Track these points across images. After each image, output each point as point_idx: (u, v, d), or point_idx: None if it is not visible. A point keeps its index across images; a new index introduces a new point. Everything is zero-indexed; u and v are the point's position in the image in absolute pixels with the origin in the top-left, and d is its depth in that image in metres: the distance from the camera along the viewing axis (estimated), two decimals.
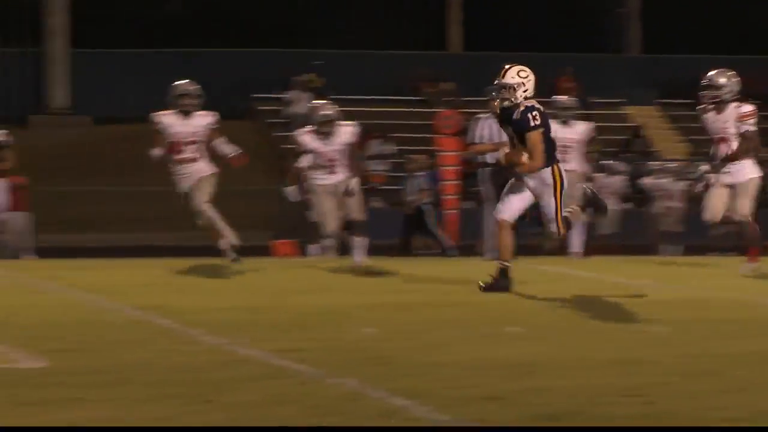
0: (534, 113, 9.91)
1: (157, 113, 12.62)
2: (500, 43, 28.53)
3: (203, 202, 12.51)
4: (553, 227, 10.17)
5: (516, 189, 10.22)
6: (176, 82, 12.75)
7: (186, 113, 12.47)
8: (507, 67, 10.09)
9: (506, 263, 10.23)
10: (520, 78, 9.98)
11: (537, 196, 10.13)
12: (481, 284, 10.22)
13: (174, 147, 12.44)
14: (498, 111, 10.19)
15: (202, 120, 12.58)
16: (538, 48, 28.16)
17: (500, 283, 10.15)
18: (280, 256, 17.02)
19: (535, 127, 9.90)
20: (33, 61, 29.43)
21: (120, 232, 23.56)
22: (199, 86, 12.73)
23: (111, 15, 30.97)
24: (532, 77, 10.07)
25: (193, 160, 12.50)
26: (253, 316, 8.99)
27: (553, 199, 10.05)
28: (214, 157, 12.82)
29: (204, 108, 12.69)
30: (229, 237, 12.64)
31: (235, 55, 29.93)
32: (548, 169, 10.03)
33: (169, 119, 12.49)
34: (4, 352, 7.09)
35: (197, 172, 12.53)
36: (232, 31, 31.99)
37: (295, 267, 13.93)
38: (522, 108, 9.93)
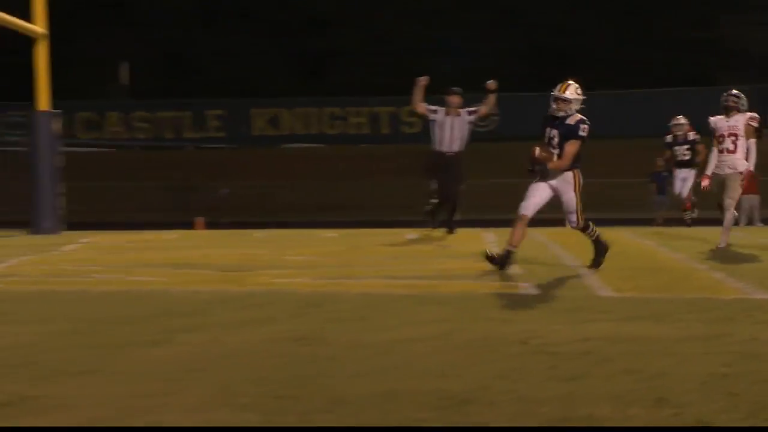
0: (585, 126, 11.44)
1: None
2: None
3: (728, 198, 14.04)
4: (573, 218, 11.66)
5: (537, 188, 11.60)
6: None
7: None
8: (568, 83, 11.54)
9: (514, 248, 11.59)
10: (577, 95, 11.46)
11: (559, 193, 11.55)
12: (487, 252, 11.78)
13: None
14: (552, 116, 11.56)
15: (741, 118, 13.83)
16: None
17: (503, 260, 11.56)
18: None
19: (582, 138, 11.42)
20: None
21: None
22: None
23: None
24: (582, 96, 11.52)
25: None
26: None
27: (573, 194, 11.51)
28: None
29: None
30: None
31: None
32: (570, 171, 11.50)
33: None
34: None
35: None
36: None
37: None
38: (578, 118, 11.47)
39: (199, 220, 26.92)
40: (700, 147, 20.20)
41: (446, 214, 17.10)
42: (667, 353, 7.09)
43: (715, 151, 14.01)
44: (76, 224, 21.57)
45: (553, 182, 11.53)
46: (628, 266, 12.25)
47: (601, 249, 11.83)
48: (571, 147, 11.40)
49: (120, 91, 48.93)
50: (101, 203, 34.80)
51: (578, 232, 11.90)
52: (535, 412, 5.56)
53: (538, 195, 11.60)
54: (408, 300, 9.70)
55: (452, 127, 16.47)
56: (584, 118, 11.56)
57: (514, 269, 11.70)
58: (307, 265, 12.98)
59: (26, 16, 20.18)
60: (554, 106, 11.47)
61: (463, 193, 17.10)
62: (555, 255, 13.66)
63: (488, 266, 11.58)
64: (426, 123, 17.35)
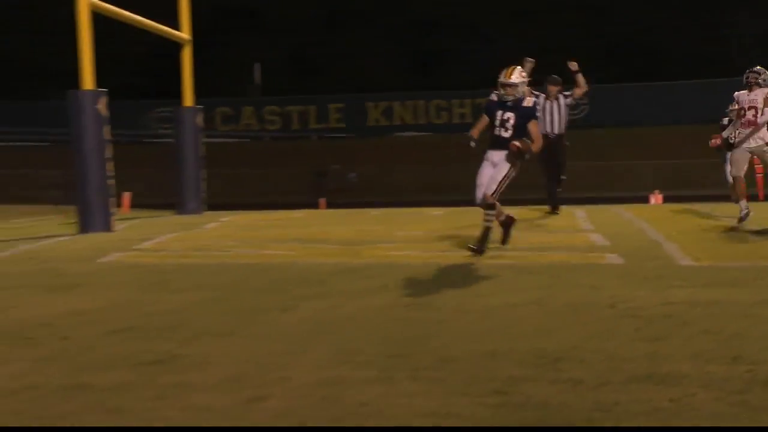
0: (538, 106, 10.94)
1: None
2: None
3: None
4: (493, 188, 10.49)
5: (484, 175, 10.63)
6: None
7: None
8: (513, 68, 10.65)
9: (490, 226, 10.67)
10: (522, 78, 10.57)
11: (495, 166, 10.56)
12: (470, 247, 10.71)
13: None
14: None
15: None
16: None
17: (481, 245, 10.62)
18: None
19: (537, 117, 10.78)
20: None
21: None
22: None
23: None
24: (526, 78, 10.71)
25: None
26: None
27: (507, 168, 10.48)
28: None
29: None
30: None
31: None
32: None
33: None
34: None
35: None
36: None
37: None
38: (532, 100, 10.72)
39: (323, 200, 27.11)
40: None
41: (550, 193, 16.91)
42: (743, 315, 6.96)
43: (737, 122, 13.74)
44: (216, 205, 21.86)
45: (496, 159, 10.62)
46: (705, 238, 12.03)
47: (487, 236, 10.67)
48: (535, 127, 10.56)
49: (254, 88, 49.49)
50: (237, 187, 35.24)
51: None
52: (622, 369, 5.50)
53: (486, 179, 10.63)
54: (507, 270, 9.64)
55: (552, 112, 16.33)
56: (535, 99, 11.09)
57: (601, 241, 11.57)
58: (416, 239, 12.97)
59: (174, 24, 20.53)
60: (502, 91, 10.53)
61: (564, 173, 16.88)
62: (640, 229, 13.46)
63: (578, 240, 11.42)
64: None
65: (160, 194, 25.94)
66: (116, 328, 6.89)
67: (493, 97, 10.65)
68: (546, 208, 16.89)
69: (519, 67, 10.75)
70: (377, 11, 53.02)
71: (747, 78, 13.65)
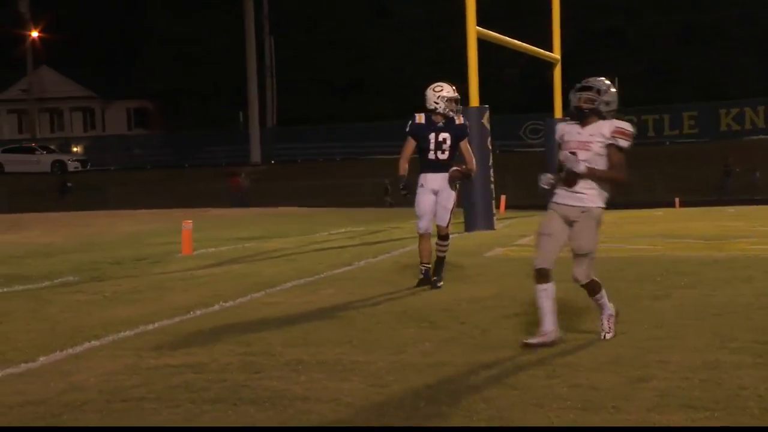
0: (467, 122, 8.75)
1: None
2: None
3: None
4: (444, 221, 8.52)
5: (427, 202, 8.50)
6: None
7: None
8: (445, 84, 8.53)
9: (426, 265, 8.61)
10: (455, 93, 8.55)
11: (439, 194, 8.46)
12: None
13: None
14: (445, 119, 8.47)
15: None
16: None
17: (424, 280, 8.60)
18: None
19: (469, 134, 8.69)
20: None
21: None
22: None
23: None
24: None
25: None
26: None
27: (453, 199, 8.49)
28: None
29: None
30: None
31: None
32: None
33: None
34: None
35: None
36: None
37: None
38: (461, 118, 8.60)
39: (678, 199, 26.16)
40: None
41: None
42: None
43: None
44: None
45: (435, 186, 8.46)
46: None
47: (443, 266, 8.68)
48: (467, 145, 8.53)
49: None
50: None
51: None
52: None
53: (430, 207, 8.50)
54: None
55: None
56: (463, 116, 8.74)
57: None
58: None
59: (547, 46, 20.70)
60: (446, 108, 8.42)
61: None
62: None
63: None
64: None
65: (529, 197, 26.05)
66: (507, 314, 6.89)
67: (419, 119, 8.50)
68: None
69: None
70: (732, 24, 50.76)
71: None
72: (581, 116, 5.81)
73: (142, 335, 6.45)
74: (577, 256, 5.84)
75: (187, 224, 12.46)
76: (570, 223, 5.83)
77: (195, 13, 56.39)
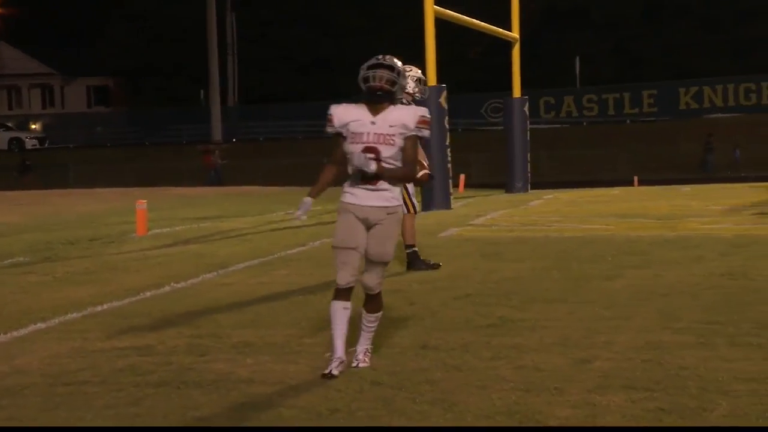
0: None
1: None
2: None
3: None
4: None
5: None
6: None
7: None
8: (413, 66, 8.29)
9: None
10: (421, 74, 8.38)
11: None
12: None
13: None
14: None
15: None
16: None
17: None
18: None
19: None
20: None
21: None
22: None
23: None
24: None
25: None
26: None
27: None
28: None
29: None
30: None
31: None
32: None
33: None
34: None
35: None
36: None
37: None
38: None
39: (635, 177, 26.33)
40: None
41: None
42: None
43: None
44: (539, 184, 21.72)
45: None
46: None
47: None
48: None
49: (573, 79, 48.86)
50: (559, 167, 34.84)
51: None
52: None
53: None
54: None
55: None
56: None
57: None
58: (729, 212, 12.27)
59: (506, 25, 20.68)
60: (418, 88, 8.26)
61: None
62: None
63: None
64: None
65: (492, 175, 26.12)
66: (457, 295, 6.90)
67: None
68: None
69: None
70: (697, 2, 50.98)
71: None
72: (375, 99, 4.77)
73: (91, 317, 6.39)
74: (374, 263, 4.85)
75: (141, 204, 12.35)
76: (370, 226, 4.82)
77: None
